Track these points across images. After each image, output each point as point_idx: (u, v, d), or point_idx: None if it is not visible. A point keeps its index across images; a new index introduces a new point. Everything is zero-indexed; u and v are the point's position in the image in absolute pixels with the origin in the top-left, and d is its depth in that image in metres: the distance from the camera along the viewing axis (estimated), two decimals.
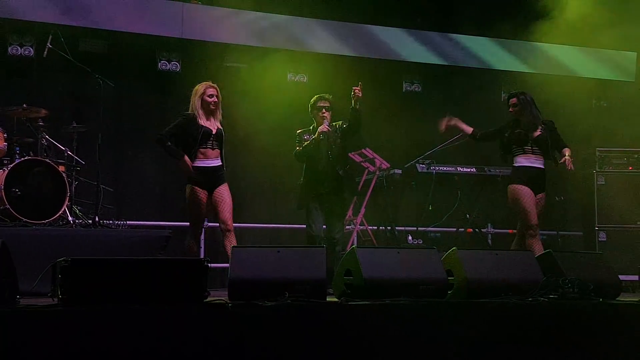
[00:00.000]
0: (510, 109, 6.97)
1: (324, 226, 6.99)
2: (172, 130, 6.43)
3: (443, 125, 7.22)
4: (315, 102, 7.06)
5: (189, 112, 6.43)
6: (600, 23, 9.57)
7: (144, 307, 3.83)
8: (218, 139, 6.41)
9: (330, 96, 7.14)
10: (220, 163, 6.43)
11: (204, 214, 6.46)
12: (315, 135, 6.85)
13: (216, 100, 6.47)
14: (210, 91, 6.47)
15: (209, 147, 6.36)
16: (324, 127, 6.80)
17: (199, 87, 6.51)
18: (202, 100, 6.44)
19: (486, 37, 10.36)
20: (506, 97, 7.32)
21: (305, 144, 6.94)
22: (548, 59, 10.54)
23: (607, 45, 10.51)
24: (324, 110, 6.95)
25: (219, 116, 6.51)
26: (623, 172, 9.19)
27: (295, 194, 7.41)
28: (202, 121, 6.38)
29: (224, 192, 6.39)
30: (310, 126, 7.10)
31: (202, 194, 6.30)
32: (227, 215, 6.36)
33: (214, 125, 6.41)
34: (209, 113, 6.44)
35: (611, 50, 10.71)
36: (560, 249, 7.50)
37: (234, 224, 6.48)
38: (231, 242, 6.21)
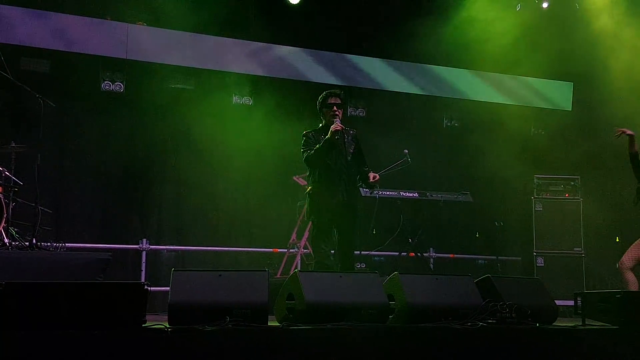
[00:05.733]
0: None
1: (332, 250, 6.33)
2: None
3: (619, 131, 6.84)
4: (326, 98, 6.35)
5: None
6: (539, 53, 9.86)
7: (81, 332, 3.75)
8: None
9: (342, 92, 6.50)
10: None
11: None
12: (329, 135, 6.13)
13: None
14: None
15: None
16: (336, 126, 6.09)
17: None
18: None
19: (430, 64, 10.55)
20: None
21: (318, 146, 6.17)
22: (489, 87, 10.77)
23: (545, 75, 10.81)
24: (335, 108, 6.28)
25: None
26: (560, 199, 9.41)
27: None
28: None
29: None
30: (318, 125, 6.44)
31: None
32: None
33: None
34: None
35: (549, 80, 11.01)
36: (499, 274, 7.64)
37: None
38: None
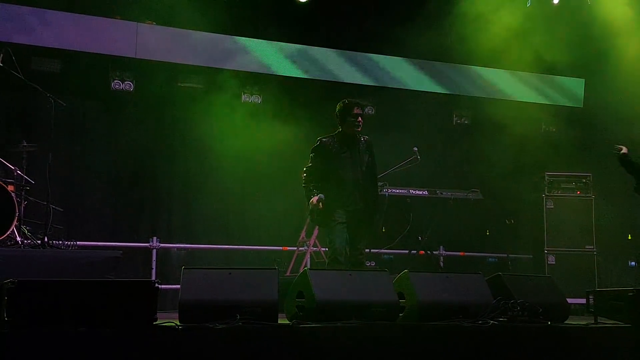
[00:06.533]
0: None
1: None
2: None
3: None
4: (349, 108, 6.39)
5: None
6: (550, 50, 9.80)
7: (92, 330, 3.76)
8: None
9: (365, 103, 6.64)
10: None
11: None
12: (311, 208, 6.24)
13: None
14: None
15: None
16: (319, 207, 6.19)
17: None
18: None
19: (439, 61, 10.51)
20: None
21: (311, 199, 6.22)
22: (499, 84, 10.73)
23: (557, 71, 10.76)
24: (359, 119, 6.37)
25: None
26: (571, 196, 9.37)
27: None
28: None
29: None
30: (334, 132, 6.48)
31: None
32: None
33: None
34: None
35: (560, 76, 10.96)
36: (510, 272, 7.61)
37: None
38: None
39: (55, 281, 4.07)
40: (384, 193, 8.34)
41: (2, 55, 7.11)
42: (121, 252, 6.88)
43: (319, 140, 6.45)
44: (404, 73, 10.37)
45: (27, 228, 7.25)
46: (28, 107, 8.69)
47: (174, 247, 9.43)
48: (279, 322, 4.51)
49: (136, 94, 9.23)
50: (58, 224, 7.66)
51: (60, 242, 7.21)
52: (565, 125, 10.89)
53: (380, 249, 8.98)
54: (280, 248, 9.41)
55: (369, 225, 6.52)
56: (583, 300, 5.99)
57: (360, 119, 6.38)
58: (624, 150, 7.32)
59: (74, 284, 4.07)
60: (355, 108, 6.39)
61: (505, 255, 9.73)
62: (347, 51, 10.14)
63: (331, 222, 6.30)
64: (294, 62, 9.83)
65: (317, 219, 6.39)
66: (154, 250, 8.87)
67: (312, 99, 9.37)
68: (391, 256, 9.66)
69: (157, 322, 4.06)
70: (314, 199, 6.20)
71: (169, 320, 4.14)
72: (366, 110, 10.33)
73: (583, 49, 9.81)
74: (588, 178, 9.44)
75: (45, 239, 6.82)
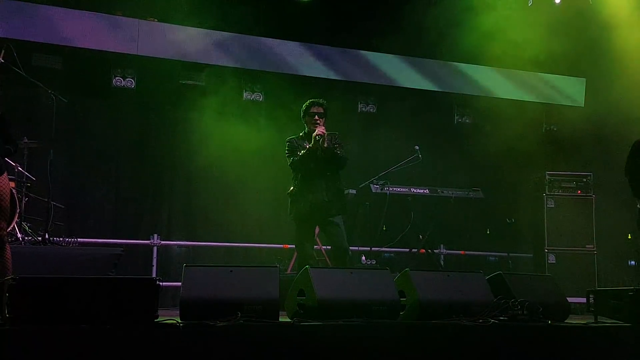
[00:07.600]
0: None
1: (329, 247, 6.74)
2: None
3: None
4: (308, 107, 6.64)
5: None
6: (551, 49, 9.80)
7: (93, 327, 3.77)
8: None
9: (325, 101, 6.72)
10: None
11: None
12: (312, 141, 6.43)
13: None
14: None
15: None
16: (320, 130, 6.39)
17: None
18: None
19: (441, 60, 10.51)
20: None
21: (303, 152, 6.47)
22: (500, 83, 10.72)
23: (558, 71, 10.75)
24: (316, 117, 6.55)
25: None
26: (572, 195, 9.37)
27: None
28: None
29: None
30: (300, 132, 6.74)
31: None
32: None
33: None
34: None
35: (561, 75, 10.95)
36: (510, 271, 7.60)
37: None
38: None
39: (56, 278, 4.07)
40: (385, 191, 8.35)
41: (3, 51, 7.11)
42: (122, 249, 6.88)
43: (287, 140, 6.71)
44: (405, 71, 10.36)
45: (28, 225, 7.26)
46: (29, 103, 8.68)
47: (175, 245, 9.45)
48: (280, 320, 4.51)
49: (137, 90, 9.23)
50: (59, 221, 7.67)
51: (61, 239, 7.22)
52: (566, 124, 10.89)
53: (381, 247, 8.98)
54: (282, 246, 9.41)
55: (337, 217, 6.61)
56: (583, 300, 6.00)
57: (317, 117, 6.56)
58: None
59: (75, 281, 4.07)
60: (312, 107, 6.62)
61: (506, 254, 9.73)
62: (350, 49, 10.13)
63: (300, 218, 6.58)
64: (296, 59, 9.82)
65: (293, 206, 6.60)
66: (155, 248, 8.88)
67: (314, 97, 9.35)
68: (392, 254, 9.67)
69: (158, 320, 4.06)
70: (317, 131, 6.40)
71: (170, 317, 4.14)
72: (367, 108, 10.36)
73: (584, 48, 9.80)
74: (589, 177, 9.44)
75: (46, 236, 6.82)
